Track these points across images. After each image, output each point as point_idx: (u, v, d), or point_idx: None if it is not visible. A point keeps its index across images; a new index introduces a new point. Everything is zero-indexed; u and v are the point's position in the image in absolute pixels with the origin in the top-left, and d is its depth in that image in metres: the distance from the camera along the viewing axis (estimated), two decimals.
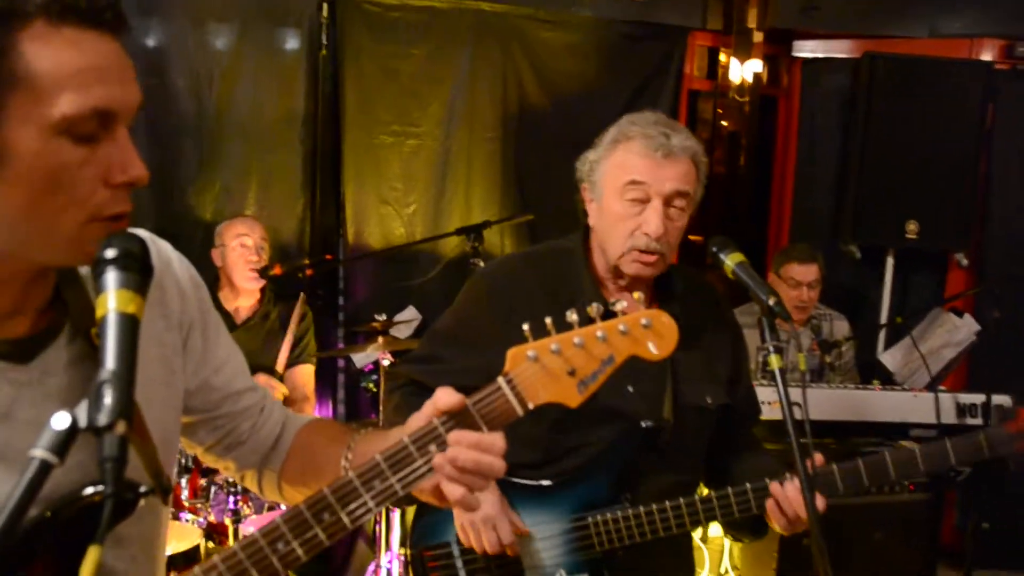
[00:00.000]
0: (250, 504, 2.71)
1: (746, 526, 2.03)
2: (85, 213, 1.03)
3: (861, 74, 4.67)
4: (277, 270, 3.64)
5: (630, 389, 1.95)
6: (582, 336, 1.22)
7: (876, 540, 3.28)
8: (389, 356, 3.28)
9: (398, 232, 4.46)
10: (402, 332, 4.05)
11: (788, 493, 1.84)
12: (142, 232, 1.26)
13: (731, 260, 1.80)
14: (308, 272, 3.61)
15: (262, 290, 3.83)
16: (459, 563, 1.96)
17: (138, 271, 1.00)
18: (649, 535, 1.89)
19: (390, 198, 4.45)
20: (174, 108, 4.11)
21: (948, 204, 4.48)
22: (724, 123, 5.06)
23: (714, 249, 1.84)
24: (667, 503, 1.89)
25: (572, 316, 1.23)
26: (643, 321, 1.24)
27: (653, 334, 1.25)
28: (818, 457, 1.85)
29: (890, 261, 4.69)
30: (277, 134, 4.27)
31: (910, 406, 3.58)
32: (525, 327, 1.23)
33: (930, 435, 3.54)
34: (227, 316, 3.77)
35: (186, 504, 2.77)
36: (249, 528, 3.03)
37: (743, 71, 4.94)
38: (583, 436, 1.96)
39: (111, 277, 0.99)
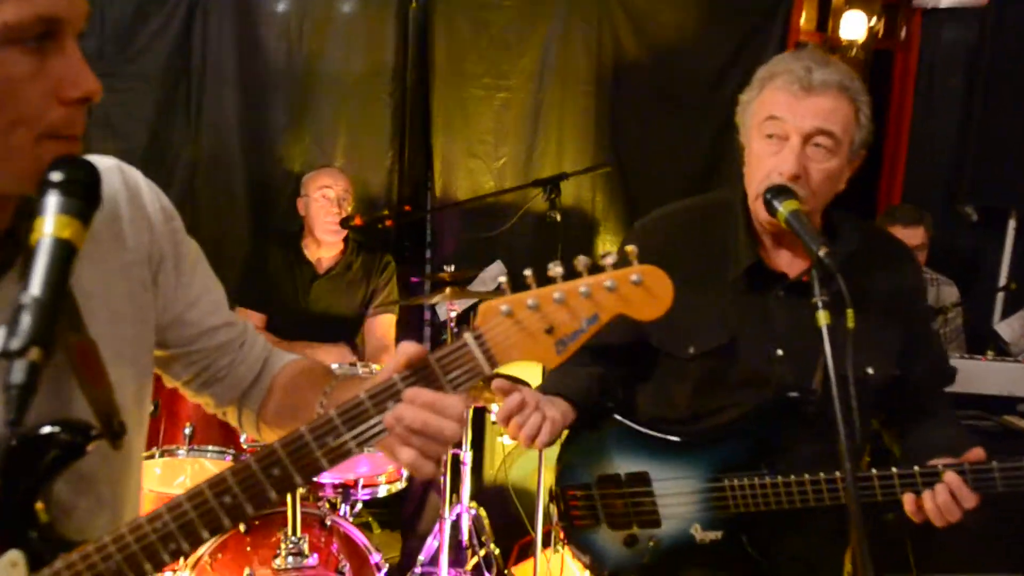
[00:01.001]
0: None
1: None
2: (36, 131, 0.99)
3: (987, 25, 4.33)
4: (357, 221, 3.65)
5: (779, 353, 1.85)
6: (563, 291, 1.10)
7: (974, 519, 3.05)
8: (457, 307, 3.25)
9: (487, 186, 4.40)
10: (485, 286, 4.01)
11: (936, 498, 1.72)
12: (108, 160, 1.23)
13: (785, 208, 1.68)
14: (388, 223, 3.59)
15: (345, 240, 3.85)
16: (599, 506, 1.95)
17: (81, 197, 0.97)
18: (786, 504, 1.80)
19: (479, 151, 4.40)
20: (265, 61, 4.16)
21: None
22: None
23: (768, 196, 1.72)
24: (806, 476, 1.78)
25: (556, 269, 1.11)
26: (633, 277, 1.10)
27: (644, 292, 1.11)
28: (977, 451, 1.74)
29: (1011, 223, 4.36)
30: (367, 87, 4.27)
31: (1018, 378, 3.31)
32: (502, 279, 1.14)
33: None
34: (309, 266, 3.81)
35: (245, 447, 2.81)
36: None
37: (858, 22, 4.66)
38: (726, 398, 1.89)
39: (51, 201, 0.96)
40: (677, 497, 1.88)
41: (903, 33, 4.86)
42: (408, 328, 4.29)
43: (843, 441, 1.52)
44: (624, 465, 1.92)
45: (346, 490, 3.11)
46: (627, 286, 1.11)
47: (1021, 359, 3.61)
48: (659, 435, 1.93)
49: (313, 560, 2.66)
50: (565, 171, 4.07)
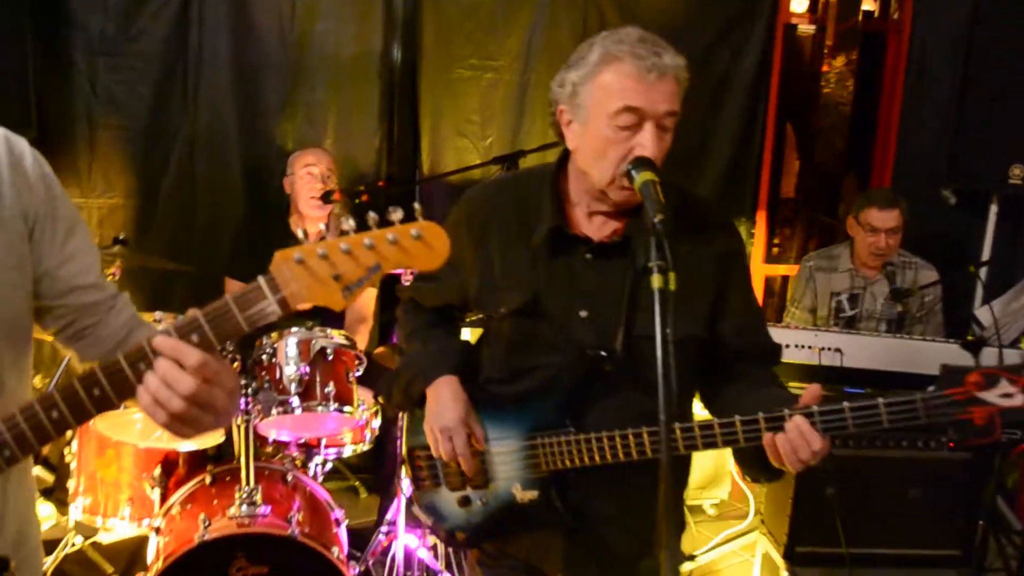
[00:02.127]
0: (259, 408, 2.89)
1: (757, 465, 1.89)
2: None
3: (978, 7, 4.31)
4: (337, 196, 3.79)
5: (583, 315, 1.93)
6: (349, 243, 1.23)
7: (911, 498, 3.12)
8: None
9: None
10: None
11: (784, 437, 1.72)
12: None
13: (640, 177, 1.75)
14: (364, 198, 3.72)
15: (329, 216, 4.00)
16: (439, 465, 2.06)
17: None
18: (598, 460, 1.86)
19: (467, 131, 4.51)
20: (258, 43, 4.32)
21: None
22: (828, 63, 4.80)
23: (628, 167, 1.79)
24: (604, 433, 1.84)
25: (348, 224, 1.25)
26: (413, 232, 1.23)
27: (423, 245, 1.24)
28: (814, 388, 1.76)
29: (993, 208, 4.35)
30: (356, 68, 4.41)
31: (953, 358, 3.33)
32: (299, 232, 1.27)
33: None
34: (295, 240, 3.97)
35: None
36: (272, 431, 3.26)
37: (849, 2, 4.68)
38: (535, 358, 1.97)
39: None
40: (502, 457, 1.98)
41: (895, 12, 4.86)
42: (392, 301, 4.43)
43: (662, 395, 1.58)
44: None
45: (309, 448, 3.29)
46: (408, 239, 1.24)
47: (992, 342, 3.62)
48: (490, 395, 2.02)
49: (265, 510, 2.83)
50: (556, 152, 4.20)
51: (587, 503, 1.96)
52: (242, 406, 2.84)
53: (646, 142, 1.79)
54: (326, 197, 3.83)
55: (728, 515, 4.40)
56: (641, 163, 1.78)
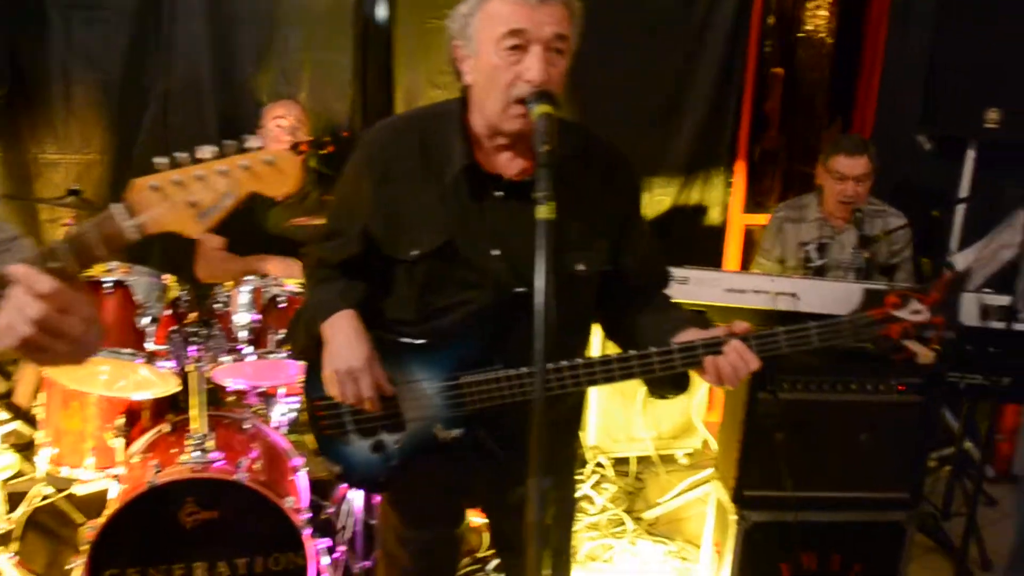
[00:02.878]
0: (209, 353, 2.95)
1: (667, 383, 2.04)
2: None
3: None
4: (303, 147, 3.81)
5: (494, 252, 1.97)
6: (203, 170, 1.28)
7: (861, 442, 3.13)
8: None
9: None
10: None
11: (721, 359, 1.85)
12: None
13: (538, 110, 1.78)
14: (330, 148, 3.74)
15: (305, 170, 4.04)
16: (346, 414, 2.08)
17: None
18: (520, 397, 1.92)
19: (441, 82, 4.47)
20: None
21: None
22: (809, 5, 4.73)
23: (527, 99, 1.81)
24: (551, 365, 1.87)
25: (204, 152, 1.29)
26: (265, 158, 1.28)
27: (275, 171, 1.30)
28: (742, 324, 1.89)
29: (970, 154, 4.29)
30: (331, 19, 4.39)
31: None
32: (157, 160, 1.30)
33: (949, 337, 3.30)
34: (267, 196, 4.00)
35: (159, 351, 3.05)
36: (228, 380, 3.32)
37: None
38: (452, 296, 2.01)
39: None
40: (418, 399, 2.01)
41: None
42: None
43: (540, 331, 1.62)
44: None
45: (269, 398, 3.36)
46: (260, 165, 1.30)
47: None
48: (398, 339, 2.03)
49: (218, 455, 2.90)
50: None
51: (513, 436, 1.96)
52: (193, 352, 2.91)
53: (532, 64, 1.81)
54: (294, 149, 3.87)
55: (701, 464, 4.44)
56: (540, 96, 1.80)
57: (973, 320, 3.31)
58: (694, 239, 4.86)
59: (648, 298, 2.15)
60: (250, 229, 3.97)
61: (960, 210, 4.35)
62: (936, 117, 4.17)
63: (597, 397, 4.40)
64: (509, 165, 1.99)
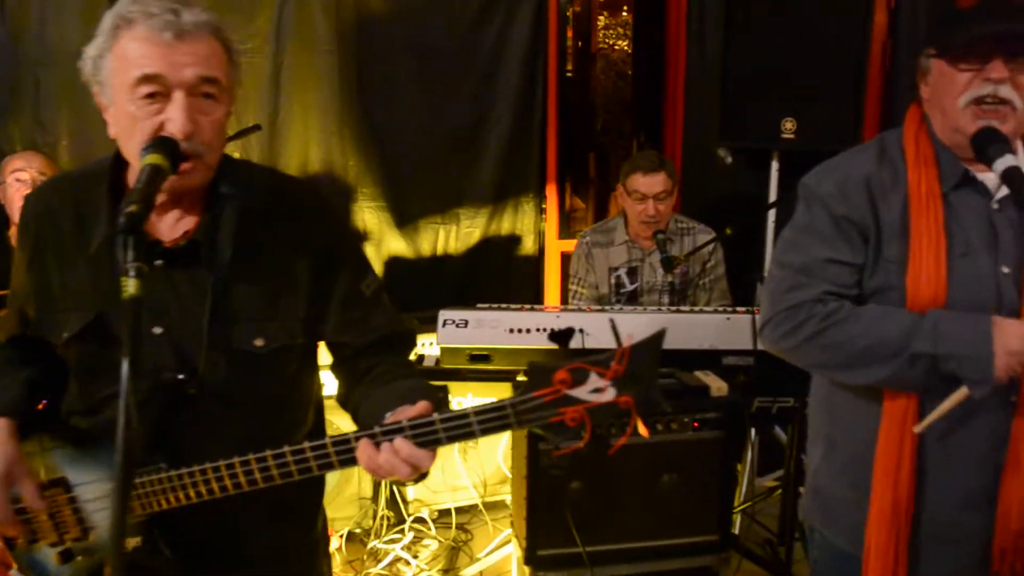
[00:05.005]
0: None
1: None
2: None
3: None
4: None
5: (156, 331, 1.65)
6: None
7: (665, 484, 2.92)
8: None
9: (234, 156, 4.17)
10: None
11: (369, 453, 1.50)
12: None
13: (147, 158, 1.47)
14: None
15: None
16: (31, 520, 1.74)
17: None
18: (194, 498, 1.61)
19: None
20: None
21: (830, 100, 3.92)
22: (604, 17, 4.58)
23: (144, 147, 1.50)
24: (200, 467, 1.58)
25: None
26: None
27: None
28: (423, 404, 1.52)
29: (774, 165, 4.18)
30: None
31: (723, 330, 3.15)
32: None
33: (745, 363, 3.15)
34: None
35: None
36: None
37: None
38: (109, 386, 1.66)
39: None
40: (97, 502, 1.71)
41: None
42: None
43: (120, 434, 1.31)
44: (52, 472, 1.73)
45: None
46: None
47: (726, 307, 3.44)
48: (78, 434, 1.74)
49: None
50: (318, 137, 4.21)
51: (198, 542, 1.71)
52: None
53: (175, 115, 1.52)
54: None
55: None
56: (156, 144, 1.50)
57: None
58: (509, 271, 4.64)
59: (373, 367, 1.83)
60: None
61: (771, 221, 4.23)
62: (734, 130, 4.03)
63: None
64: (174, 227, 1.68)
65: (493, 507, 4.21)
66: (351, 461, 1.52)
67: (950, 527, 1.92)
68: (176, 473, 1.61)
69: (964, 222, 1.86)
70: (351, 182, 4.33)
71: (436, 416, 1.48)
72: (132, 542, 1.67)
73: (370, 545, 3.91)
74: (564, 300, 4.39)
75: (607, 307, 3.55)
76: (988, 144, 1.78)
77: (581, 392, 1.40)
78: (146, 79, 1.51)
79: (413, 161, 4.38)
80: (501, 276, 4.61)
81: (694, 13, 4.44)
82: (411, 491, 4.12)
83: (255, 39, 4.13)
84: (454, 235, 4.52)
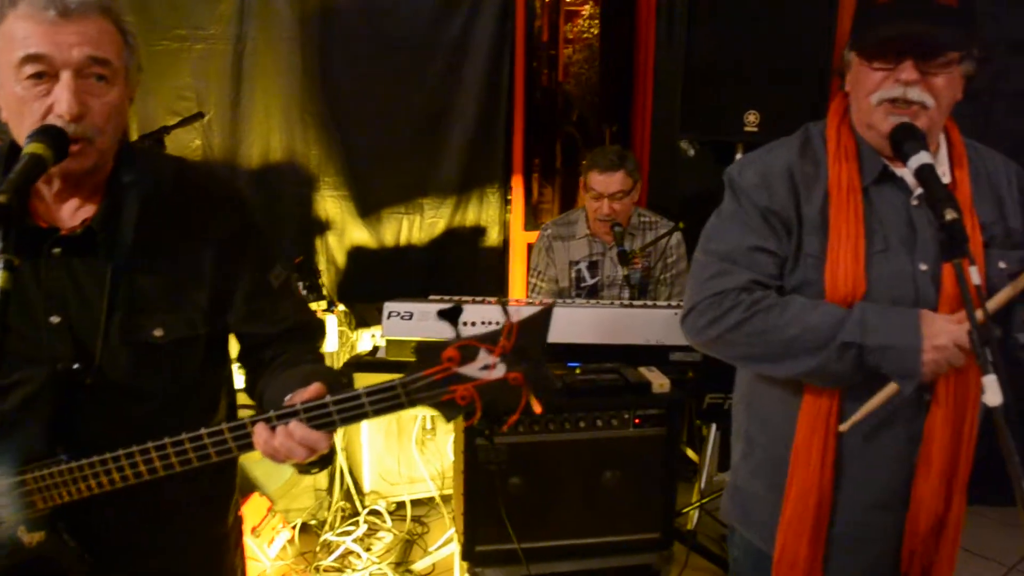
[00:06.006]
0: None
1: None
2: None
3: None
4: None
5: (54, 320, 1.62)
6: None
7: (607, 481, 2.88)
8: None
9: (194, 144, 4.16)
10: None
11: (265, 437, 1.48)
12: None
13: (29, 147, 1.45)
14: None
15: None
16: None
17: None
18: (96, 489, 1.59)
19: (181, 109, 4.11)
20: None
21: (794, 93, 3.87)
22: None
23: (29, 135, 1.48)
24: (99, 457, 1.57)
25: None
26: None
27: None
28: (316, 388, 1.50)
29: (738, 158, 4.12)
30: None
31: (672, 325, 3.08)
32: None
33: (693, 358, 3.09)
34: None
35: None
36: None
37: None
38: (8, 375, 1.63)
39: None
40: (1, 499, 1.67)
41: None
42: None
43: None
44: None
45: None
46: None
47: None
48: None
49: None
50: (279, 125, 4.15)
51: (105, 533, 1.69)
52: None
53: (61, 96, 1.49)
54: None
55: None
56: (40, 133, 1.47)
57: None
58: (474, 262, 4.60)
59: (277, 356, 1.81)
60: None
61: None
62: (697, 122, 3.98)
63: (368, 434, 4.08)
64: (74, 215, 1.65)
65: (451, 500, 4.17)
66: (249, 447, 1.50)
67: (862, 527, 1.89)
68: (76, 464, 1.59)
69: (883, 218, 1.82)
70: (313, 171, 4.30)
71: (329, 398, 1.45)
72: (36, 536, 1.66)
73: (323, 537, 3.88)
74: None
75: (564, 300, 3.49)
76: (903, 141, 1.73)
77: (471, 369, 1.36)
78: (30, 59, 1.48)
79: (377, 150, 4.34)
80: (466, 267, 4.57)
81: (663, 2, 4.38)
82: (367, 483, 4.10)
83: (217, 24, 4.09)
84: (418, 225, 4.48)
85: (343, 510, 4.04)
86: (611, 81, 4.62)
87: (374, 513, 4.07)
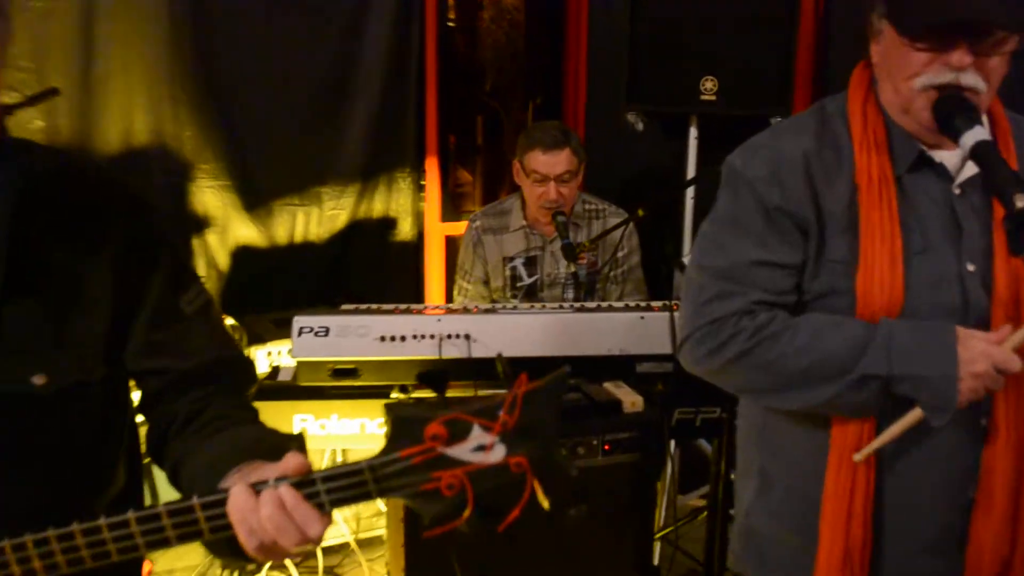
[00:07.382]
0: None
1: (226, 549, 1.24)
2: None
3: None
4: None
5: None
6: None
7: (571, 517, 2.47)
8: None
9: (35, 125, 3.43)
10: None
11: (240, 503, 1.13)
12: None
13: None
14: None
15: None
16: None
17: None
18: None
19: (19, 84, 3.36)
20: None
21: (756, 57, 3.41)
22: None
23: None
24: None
25: None
26: None
27: None
28: (293, 459, 1.15)
29: (692, 132, 3.62)
30: None
31: (637, 331, 2.66)
32: None
33: (663, 369, 2.68)
34: None
35: None
36: None
37: None
38: None
39: None
40: None
41: None
42: None
43: None
44: None
45: None
46: None
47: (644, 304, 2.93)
48: None
49: None
50: (143, 98, 3.54)
51: None
52: None
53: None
54: None
55: None
56: None
57: None
58: (384, 261, 4.02)
59: (196, 410, 1.42)
60: None
61: (689, 199, 3.67)
62: (644, 91, 3.47)
63: None
64: None
65: (369, 544, 3.63)
66: (193, 535, 1.15)
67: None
68: None
69: (922, 212, 1.62)
70: (187, 157, 3.64)
71: (317, 473, 1.13)
72: None
73: None
74: (450, 295, 3.79)
75: (500, 305, 2.96)
76: (954, 113, 1.51)
77: (461, 451, 1.11)
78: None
79: (264, 130, 3.74)
80: (374, 267, 4.00)
81: None
82: None
83: None
84: (315, 219, 3.89)
85: (239, 568, 3.39)
86: (538, 44, 4.06)
87: (278, 568, 3.44)
